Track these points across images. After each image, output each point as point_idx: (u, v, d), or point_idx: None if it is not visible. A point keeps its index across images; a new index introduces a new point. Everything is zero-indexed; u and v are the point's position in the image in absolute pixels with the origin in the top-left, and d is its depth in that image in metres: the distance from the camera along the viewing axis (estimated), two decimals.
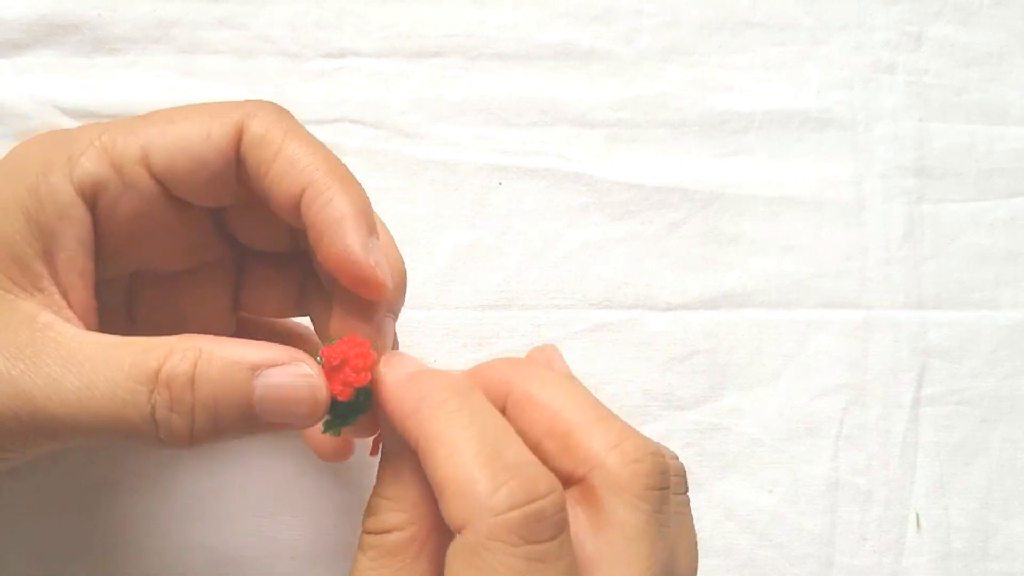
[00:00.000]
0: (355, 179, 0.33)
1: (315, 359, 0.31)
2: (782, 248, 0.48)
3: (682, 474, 0.34)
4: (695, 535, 0.33)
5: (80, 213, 0.32)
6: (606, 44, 0.49)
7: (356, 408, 0.32)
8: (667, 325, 0.47)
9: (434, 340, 0.46)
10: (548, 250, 0.47)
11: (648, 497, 0.30)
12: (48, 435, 0.30)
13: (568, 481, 0.31)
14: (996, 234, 0.49)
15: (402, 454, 0.31)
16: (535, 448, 0.31)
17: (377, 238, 0.32)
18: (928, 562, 0.47)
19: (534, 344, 0.45)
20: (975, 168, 0.50)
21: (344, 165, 0.33)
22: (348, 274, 0.32)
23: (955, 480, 0.47)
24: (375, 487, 0.32)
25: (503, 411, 0.33)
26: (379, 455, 0.33)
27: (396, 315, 0.35)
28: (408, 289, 0.35)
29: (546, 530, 0.28)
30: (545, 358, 0.38)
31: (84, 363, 0.30)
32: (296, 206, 0.32)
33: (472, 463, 0.28)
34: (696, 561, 0.33)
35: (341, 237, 0.31)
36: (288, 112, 0.34)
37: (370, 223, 0.32)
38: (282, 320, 0.42)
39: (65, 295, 0.32)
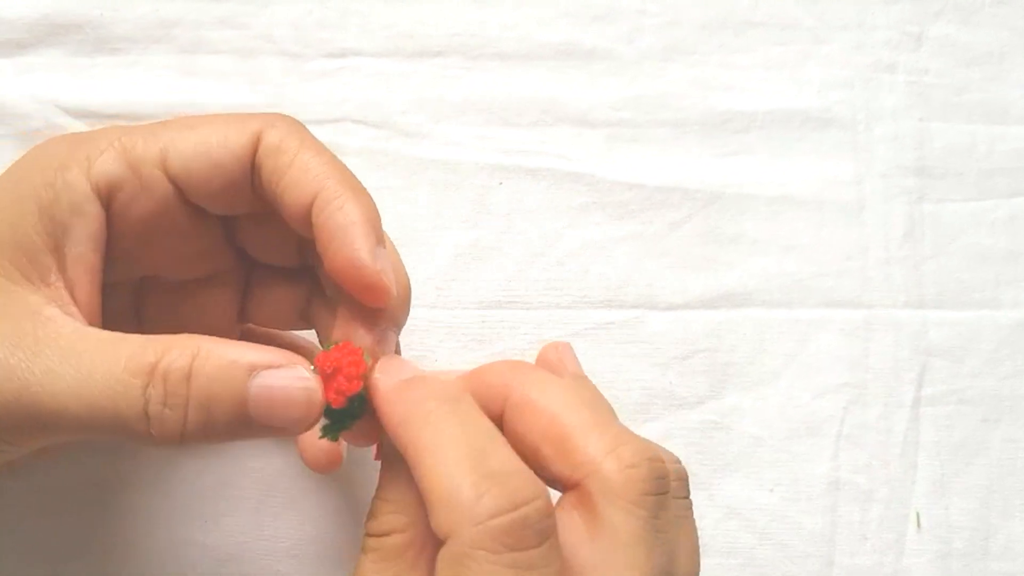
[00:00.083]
0: (365, 190, 0.33)
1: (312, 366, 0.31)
2: (783, 248, 0.48)
3: (683, 478, 0.33)
4: (696, 539, 0.33)
5: (94, 210, 0.32)
6: (607, 44, 0.49)
7: (352, 414, 0.32)
8: (668, 324, 0.47)
9: (435, 339, 0.46)
10: (549, 250, 0.47)
11: (644, 503, 0.30)
12: (43, 426, 0.30)
13: (565, 486, 0.31)
14: (997, 234, 0.49)
15: (402, 458, 0.31)
16: (533, 452, 0.32)
17: (384, 248, 0.32)
18: (928, 562, 0.47)
19: (535, 344, 0.46)
20: (976, 168, 0.50)
21: (355, 176, 0.33)
22: (354, 280, 0.32)
23: (956, 480, 0.47)
24: (377, 490, 0.32)
25: (502, 414, 0.33)
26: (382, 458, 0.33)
27: (399, 329, 0.35)
28: (410, 288, 0.36)
29: (531, 537, 0.28)
30: (557, 356, 0.38)
31: (82, 355, 0.30)
32: (307, 213, 0.32)
33: (456, 471, 0.28)
34: (697, 566, 0.32)
35: (349, 242, 0.31)
36: (303, 125, 0.34)
37: (378, 232, 0.32)
38: (286, 332, 0.42)
39: (71, 291, 0.32)
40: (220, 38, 0.47)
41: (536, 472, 0.32)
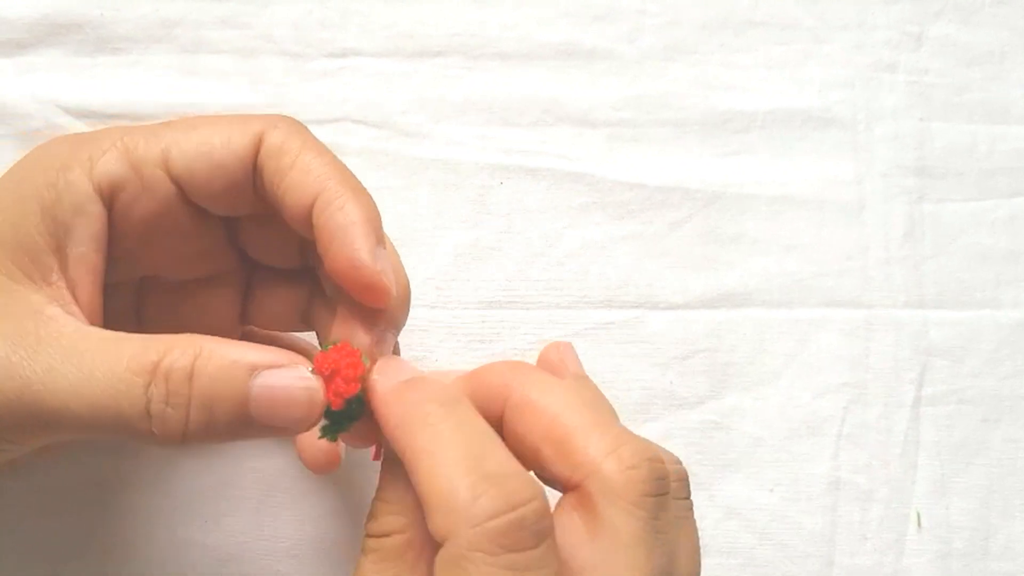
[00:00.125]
0: (366, 190, 0.33)
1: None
2: (783, 247, 0.48)
3: (683, 479, 0.33)
4: (697, 540, 0.33)
5: (96, 210, 0.33)
6: (608, 43, 0.49)
7: (350, 416, 0.32)
8: (668, 324, 0.47)
9: (435, 339, 0.46)
10: (549, 249, 0.47)
11: (644, 504, 0.30)
12: (45, 425, 0.30)
13: (565, 487, 0.31)
14: (997, 234, 0.49)
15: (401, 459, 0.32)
16: (533, 453, 0.32)
17: (384, 248, 0.33)
18: (928, 561, 0.47)
19: (535, 344, 0.46)
20: (976, 167, 0.50)
21: (356, 178, 0.34)
22: (354, 280, 0.32)
23: (956, 479, 0.47)
24: (377, 491, 0.32)
25: (502, 416, 0.33)
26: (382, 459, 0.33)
27: (398, 330, 0.35)
28: (409, 290, 0.36)
29: (527, 539, 0.27)
30: (559, 356, 0.38)
31: (84, 354, 0.30)
32: (308, 214, 0.32)
33: (452, 474, 0.28)
34: (698, 566, 0.32)
35: (349, 243, 0.32)
36: (304, 126, 0.35)
37: (379, 233, 0.33)
38: (287, 334, 0.42)
39: (73, 290, 0.32)
40: (221, 38, 0.47)
41: (536, 473, 0.32)
